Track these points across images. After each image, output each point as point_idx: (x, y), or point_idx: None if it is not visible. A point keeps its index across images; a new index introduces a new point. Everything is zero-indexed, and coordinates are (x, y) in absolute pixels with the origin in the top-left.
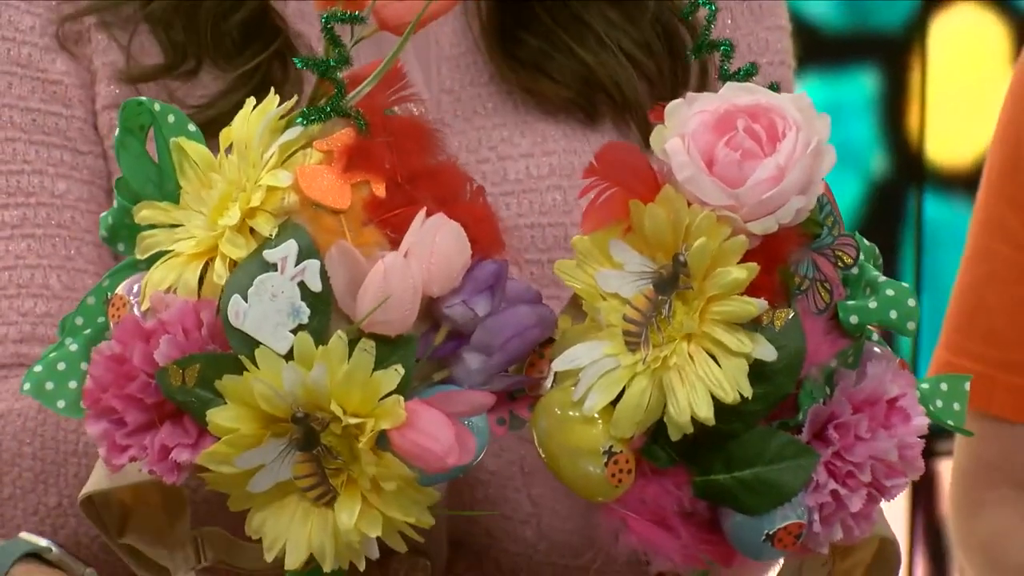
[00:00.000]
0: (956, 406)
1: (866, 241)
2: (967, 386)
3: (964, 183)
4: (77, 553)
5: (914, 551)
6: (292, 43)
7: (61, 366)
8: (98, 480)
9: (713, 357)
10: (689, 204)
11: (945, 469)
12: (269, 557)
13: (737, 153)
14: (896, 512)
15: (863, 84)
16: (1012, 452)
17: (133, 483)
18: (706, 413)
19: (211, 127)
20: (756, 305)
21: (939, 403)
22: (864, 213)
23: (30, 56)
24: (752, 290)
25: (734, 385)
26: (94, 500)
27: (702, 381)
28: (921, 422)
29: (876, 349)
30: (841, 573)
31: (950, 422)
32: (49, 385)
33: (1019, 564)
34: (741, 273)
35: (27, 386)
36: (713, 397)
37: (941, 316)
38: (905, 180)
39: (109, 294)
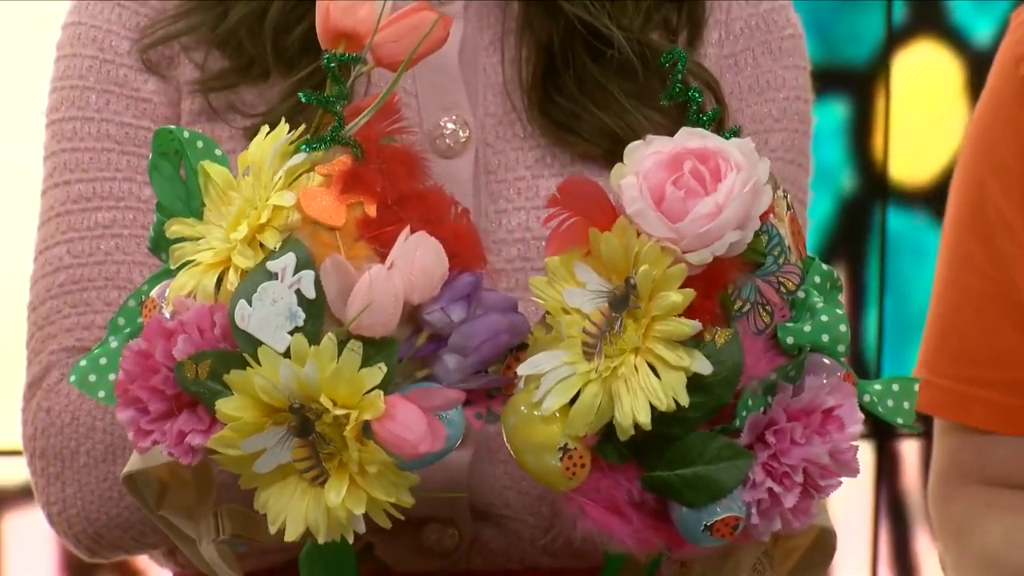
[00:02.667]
0: (906, 405)
1: (825, 267)
2: (916, 387)
3: (923, 199)
4: (138, 520)
5: (879, 521)
6: None
7: (103, 360)
8: (135, 461)
9: (655, 369)
10: (639, 234)
11: (906, 449)
12: (272, 530)
13: (682, 191)
14: (863, 487)
15: (834, 112)
16: (984, 456)
17: (168, 463)
18: (644, 419)
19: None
20: (690, 326)
21: (890, 403)
22: (835, 226)
23: (125, 76)
24: (694, 311)
25: (670, 395)
26: (135, 478)
27: (643, 390)
28: (856, 430)
29: (825, 361)
30: (781, 556)
31: (899, 420)
32: (92, 377)
33: (981, 545)
34: (678, 297)
35: (73, 378)
36: (652, 405)
37: (903, 317)
38: (871, 197)
39: (144, 297)
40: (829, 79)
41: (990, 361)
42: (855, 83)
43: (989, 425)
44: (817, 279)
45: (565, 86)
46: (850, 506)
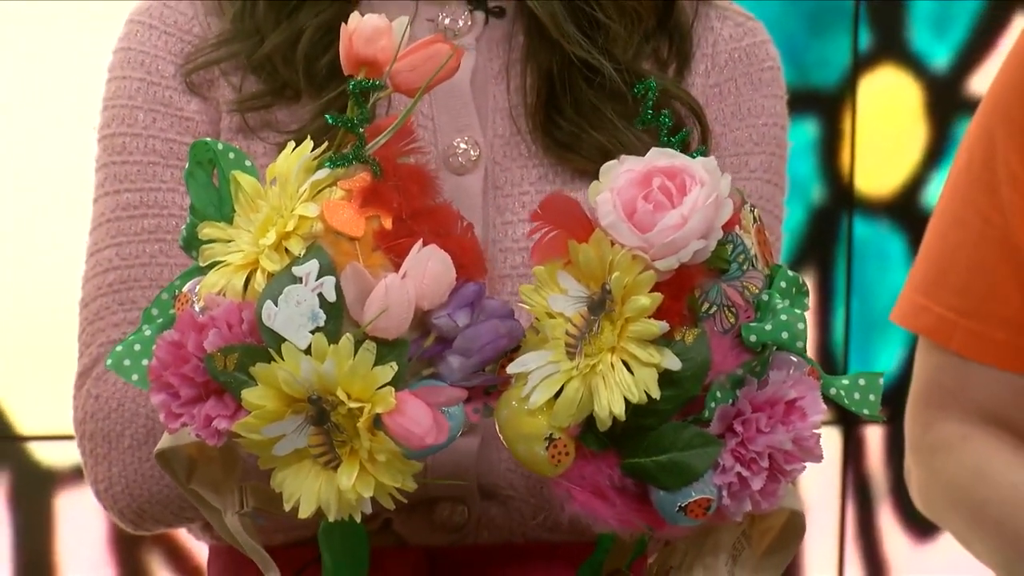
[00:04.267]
0: (871, 397)
1: (791, 273)
2: (880, 381)
3: (886, 209)
4: (176, 496)
5: (846, 500)
6: None
7: (137, 347)
8: (166, 439)
9: (630, 366)
10: (613, 244)
11: (871, 434)
12: (287, 507)
13: (651, 205)
14: (831, 469)
15: (805, 131)
16: (962, 382)
17: (196, 442)
18: (619, 411)
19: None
20: (659, 326)
21: (857, 396)
22: (806, 234)
23: (170, 97)
24: (664, 313)
25: (642, 389)
26: (167, 455)
27: (618, 385)
28: (817, 419)
29: (792, 358)
30: (757, 536)
31: (865, 411)
32: (127, 362)
33: (952, 474)
34: (647, 301)
35: (109, 362)
36: (626, 399)
37: (868, 316)
38: (839, 207)
39: (177, 292)
40: (801, 101)
41: (981, 295)
42: (824, 104)
43: (971, 353)
44: (783, 284)
45: (564, 110)
46: (820, 487)
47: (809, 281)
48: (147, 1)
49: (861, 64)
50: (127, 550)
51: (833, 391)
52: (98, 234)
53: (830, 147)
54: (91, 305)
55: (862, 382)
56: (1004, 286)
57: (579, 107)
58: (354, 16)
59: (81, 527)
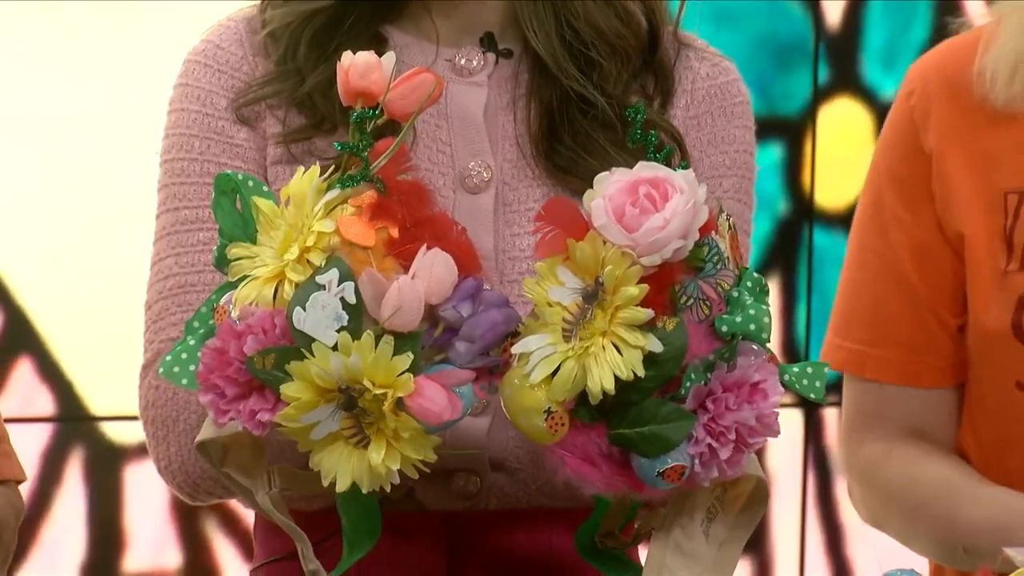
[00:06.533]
0: (817, 383)
1: (756, 275)
2: (825, 370)
3: (842, 221)
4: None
5: (807, 472)
6: None
7: (184, 356)
8: (206, 430)
9: (618, 348)
10: (605, 243)
11: (829, 415)
12: (326, 483)
13: (637, 209)
14: (794, 445)
15: (772, 153)
16: (879, 405)
17: (230, 432)
18: (609, 387)
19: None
20: (645, 313)
21: (805, 382)
22: (772, 243)
23: (223, 127)
24: (648, 303)
25: (629, 367)
26: (205, 443)
27: (608, 364)
28: (777, 399)
29: (754, 347)
30: (730, 500)
31: (812, 395)
32: (176, 369)
33: (885, 484)
34: (635, 291)
35: (161, 370)
36: (615, 376)
37: (827, 314)
38: (800, 219)
39: (215, 305)
40: (768, 127)
41: (883, 326)
42: (788, 130)
43: (882, 377)
44: (749, 284)
45: (563, 138)
46: (785, 461)
47: (775, 283)
48: (203, 42)
49: (820, 95)
50: (186, 517)
51: (786, 377)
52: (160, 245)
53: (793, 167)
54: (153, 307)
55: (810, 370)
56: (900, 315)
57: (576, 136)
58: (346, 54)
59: (146, 497)
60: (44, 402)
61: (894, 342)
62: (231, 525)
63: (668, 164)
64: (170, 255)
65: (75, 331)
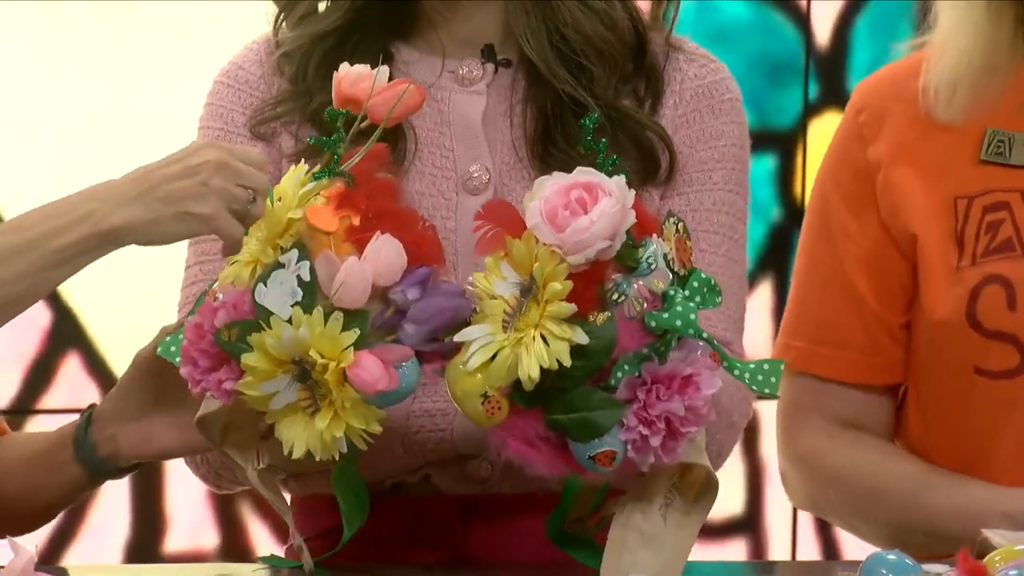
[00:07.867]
0: (772, 380)
1: (704, 275)
2: (781, 367)
3: None
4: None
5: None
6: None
7: (180, 337)
8: (203, 407)
9: (546, 339)
10: (537, 242)
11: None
12: (285, 452)
13: (568, 211)
14: None
15: (766, 164)
16: (820, 399)
17: (225, 410)
18: (535, 375)
19: None
20: (569, 308)
21: (760, 378)
22: (766, 246)
23: (241, 143)
24: (578, 298)
25: (554, 358)
26: (205, 421)
27: (537, 355)
28: (709, 392)
29: (700, 343)
30: (685, 487)
31: (767, 391)
32: (172, 349)
33: (831, 468)
34: (560, 287)
35: (159, 350)
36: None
37: None
38: (792, 225)
39: (208, 289)
40: (762, 140)
41: (829, 327)
42: (781, 143)
43: (826, 374)
44: (696, 284)
45: (556, 141)
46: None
47: (768, 284)
48: (228, 64)
49: (810, 110)
50: (223, 502)
51: (737, 372)
52: (189, 253)
53: (786, 177)
54: (181, 311)
55: (766, 367)
56: (846, 317)
57: (569, 138)
58: (344, 66)
59: (185, 484)
60: (91, 395)
61: (839, 342)
62: (265, 508)
63: (619, 169)
64: (196, 263)
65: (120, 328)
